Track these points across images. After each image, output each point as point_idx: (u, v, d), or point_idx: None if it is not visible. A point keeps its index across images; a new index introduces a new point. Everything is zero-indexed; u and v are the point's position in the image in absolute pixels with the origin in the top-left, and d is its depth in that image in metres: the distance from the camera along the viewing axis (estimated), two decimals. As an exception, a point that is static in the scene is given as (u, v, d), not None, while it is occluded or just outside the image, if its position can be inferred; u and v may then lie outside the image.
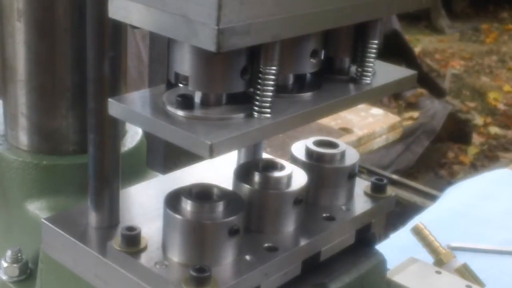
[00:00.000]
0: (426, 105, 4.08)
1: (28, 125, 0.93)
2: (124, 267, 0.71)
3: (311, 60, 0.72)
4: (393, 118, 3.30)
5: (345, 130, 3.08)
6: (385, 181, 0.88)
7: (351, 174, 0.85)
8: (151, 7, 0.61)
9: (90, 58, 0.71)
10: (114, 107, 0.69)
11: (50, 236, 0.79)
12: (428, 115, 3.95)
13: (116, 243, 0.71)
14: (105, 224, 0.78)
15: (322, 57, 0.76)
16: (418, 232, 1.26)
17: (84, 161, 0.81)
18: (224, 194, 0.72)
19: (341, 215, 0.83)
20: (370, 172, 3.12)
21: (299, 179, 0.79)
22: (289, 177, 0.78)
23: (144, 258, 0.70)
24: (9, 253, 0.90)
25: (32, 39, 0.88)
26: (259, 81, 0.66)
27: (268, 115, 0.67)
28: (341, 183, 0.85)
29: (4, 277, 0.90)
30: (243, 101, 0.69)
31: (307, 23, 0.66)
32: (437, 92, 4.42)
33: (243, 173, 0.79)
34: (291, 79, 0.74)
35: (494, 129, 4.41)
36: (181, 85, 0.69)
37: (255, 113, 0.67)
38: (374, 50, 0.76)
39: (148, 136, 1.00)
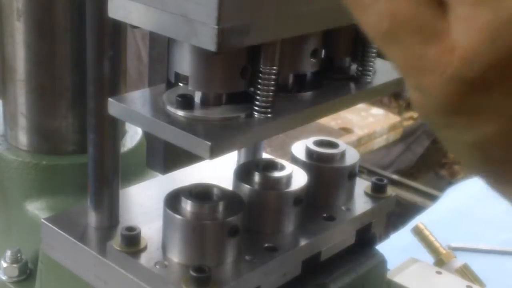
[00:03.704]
0: (426, 105, 4.08)
1: (27, 125, 0.92)
2: (124, 267, 0.71)
3: (312, 59, 0.72)
4: (393, 118, 3.30)
5: (345, 130, 3.08)
6: (385, 181, 0.88)
7: (351, 174, 0.85)
8: (151, 6, 0.61)
9: (90, 58, 0.71)
10: (113, 107, 0.69)
11: (50, 236, 0.79)
12: (428, 115, 3.94)
13: (116, 243, 0.71)
14: (105, 224, 0.77)
15: (322, 56, 0.76)
16: (418, 233, 1.26)
17: (84, 161, 0.81)
18: (224, 194, 0.72)
19: (341, 215, 0.82)
20: (370, 172, 3.12)
21: (299, 179, 0.79)
22: (289, 177, 0.78)
23: (144, 258, 0.70)
24: (8, 253, 0.90)
25: (31, 39, 0.88)
26: (260, 81, 0.66)
27: (269, 115, 0.67)
28: (341, 183, 0.85)
29: (4, 277, 0.90)
30: (243, 100, 0.69)
31: (307, 23, 0.65)
32: (437, 92, 4.42)
33: (243, 173, 0.79)
34: (291, 79, 0.74)
35: (494, 129, 4.40)
36: (181, 84, 0.69)
37: (256, 113, 0.67)
38: (374, 49, 0.76)
39: (148, 136, 1.00)
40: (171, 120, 0.66)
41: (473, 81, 0.42)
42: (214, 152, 0.62)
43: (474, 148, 0.47)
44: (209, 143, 0.62)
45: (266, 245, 0.75)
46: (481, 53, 0.41)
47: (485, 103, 0.44)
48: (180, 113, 0.67)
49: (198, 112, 0.67)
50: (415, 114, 4.05)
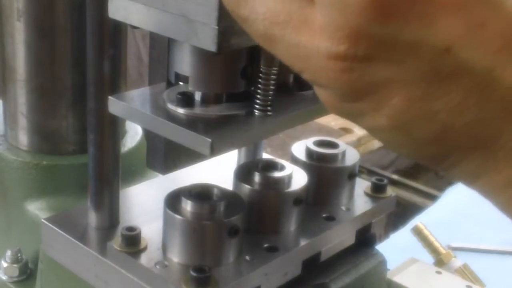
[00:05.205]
0: (426, 105, 4.08)
1: (28, 125, 0.92)
2: (124, 267, 0.71)
3: (312, 59, 0.72)
4: (393, 118, 3.28)
5: (345, 130, 3.08)
6: (385, 181, 0.88)
7: (351, 174, 0.85)
8: (151, 7, 0.61)
9: (90, 57, 0.71)
10: (114, 105, 0.69)
11: (50, 236, 0.79)
12: (428, 115, 3.94)
13: (116, 243, 0.71)
14: (105, 224, 0.77)
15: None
16: (418, 232, 1.26)
17: (84, 161, 0.81)
18: (224, 194, 0.72)
19: (342, 215, 0.82)
20: (370, 172, 3.13)
21: (299, 179, 0.79)
22: (289, 177, 0.78)
23: (144, 259, 0.70)
24: (9, 253, 0.90)
25: (32, 39, 0.88)
26: (260, 81, 0.66)
27: (269, 113, 0.67)
28: (341, 183, 0.85)
29: (4, 277, 0.90)
30: (244, 98, 0.69)
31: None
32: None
33: (243, 173, 0.79)
34: (291, 77, 0.74)
35: (494, 129, 4.39)
36: (181, 83, 0.69)
37: (256, 112, 0.67)
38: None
39: (148, 136, 1.00)
40: (172, 117, 0.66)
41: (346, 54, 0.44)
42: (215, 149, 0.62)
43: (394, 130, 0.48)
44: (210, 140, 0.62)
45: (266, 245, 0.75)
46: (342, 27, 0.43)
47: (377, 76, 0.45)
48: (181, 110, 0.67)
49: (198, 110, 0.67)
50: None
